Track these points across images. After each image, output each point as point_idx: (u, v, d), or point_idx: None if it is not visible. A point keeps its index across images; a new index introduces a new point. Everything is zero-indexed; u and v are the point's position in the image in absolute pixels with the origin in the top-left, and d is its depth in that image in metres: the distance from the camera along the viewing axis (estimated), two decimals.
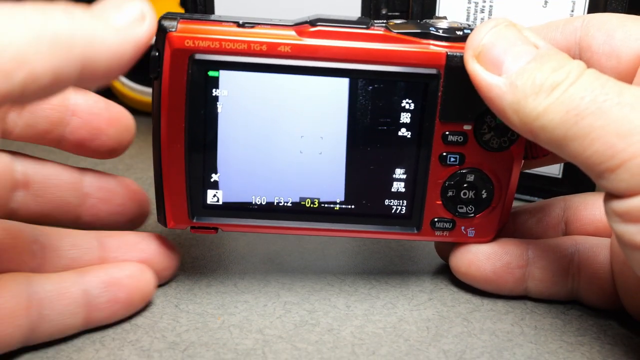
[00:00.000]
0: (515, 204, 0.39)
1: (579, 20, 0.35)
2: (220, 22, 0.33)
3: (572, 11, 0.44)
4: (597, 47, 0.34)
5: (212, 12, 0.51)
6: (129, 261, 0.35)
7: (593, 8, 0.43)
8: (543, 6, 0.45)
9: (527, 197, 0.49)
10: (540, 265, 0.36)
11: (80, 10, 0.26)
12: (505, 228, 0.38)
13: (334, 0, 0.49)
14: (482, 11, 0.46)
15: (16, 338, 0.30)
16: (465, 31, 0.33)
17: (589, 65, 0.34)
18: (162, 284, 0.37)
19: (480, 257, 0.36)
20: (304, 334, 0.34)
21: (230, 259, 0.41)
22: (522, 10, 0.45)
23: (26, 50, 0.23)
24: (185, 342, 0.33)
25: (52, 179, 0.36)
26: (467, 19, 0.46)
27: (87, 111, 0.36)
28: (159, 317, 0.35)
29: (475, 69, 0.31)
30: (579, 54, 0.35)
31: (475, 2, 0.46)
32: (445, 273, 0.40)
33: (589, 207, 0.38)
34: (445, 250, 0.39)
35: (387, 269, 0.40)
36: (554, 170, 0.48)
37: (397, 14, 0.48)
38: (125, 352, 0.32)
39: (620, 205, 0.27)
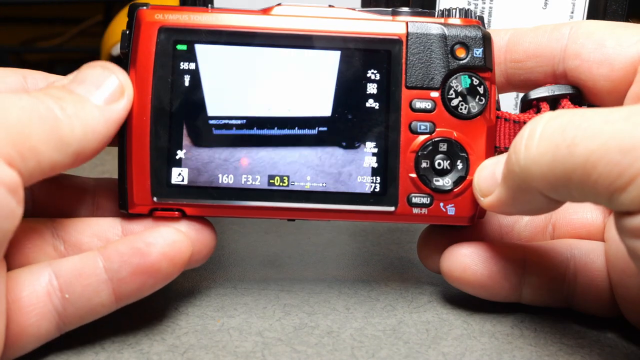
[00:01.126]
0: None
1: (567, 27, 0.35)
2: (190, 6, 0.36)
3: (572, 12, 0.44)
4: (587, 55, 0.34)
5: None
6: (154, 229, 0.33)
7: (593, 9, 0.43)
8: (543, 7, 0.45)
9: None
10: (537, 271, 0.35)
11: (70, 98, 0.30)
12: (493, 231, 0.38)
13: (333, 0, 0.49)
14: (482, 12, 0.46)
15: (44, 327, 0.30)
16: (423, 9, 0.35)
17: (579, 72, 0.34)
18: (193, 269, 0.36)
19: (477, 261, 0.35)
20: (304, 336, 0.34)
21: (229, 261, 0.41)
22: (521, 12, 0.45)
23: (39, 145, 0.28)
24: (184, 345, 0.33)
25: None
26: None
27: None
28: (158, 319, 0.35)
29: (489, 201, 0.33)
30: (563, 61, 0.35)
31: (475, 4, 0.46)
32: None
33: (580, 211, 0.37)
34: (431, 257, 0.37)
35: (387, 271, 0.40)
36: None
37: (401, 7, 0.48)
38: (125, 355, 0.32)
39: (633, 221, 0.26)
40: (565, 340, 0.34)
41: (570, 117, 0.27)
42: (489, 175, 0.33)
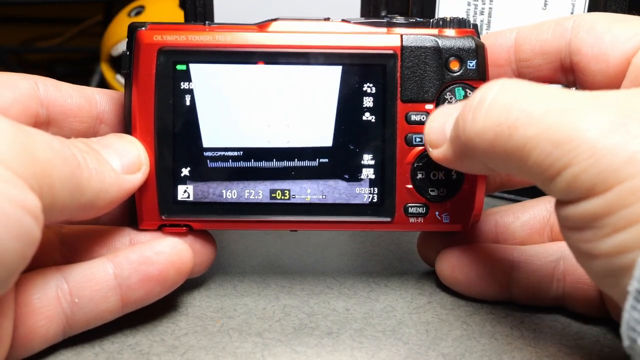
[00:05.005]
0: (508, 204, 0.39)
1: (569, 21, 0.35)
2: (188, 24, 0.35)
3: (572, 13, 0.44)
4: (586, 51, 0.34)
5: (212, 12, 0.51)
6: (161, 238, 0.35)
7: (593, 10, 0.43)
8: (542, 8, 0.45)
9: (525, 198, 0.49)
10: (525, 271, 0.36)
11: (93, 154, 0.31)
12: (488, 231, 0.38)
13: (333, 1, 0.49)
14: (482, 13, 0.46)
15: (52, 330, 0.31)
16: (418, 19, 0.36)
17: (580, 68, 0.34)
18: (195, 277, 0.37)
19: (466, 261, 0.36)
20: (303, 337, 0.34)
21: (229, 262, 0.41)
22: (521, 12, 0.45)
23: (57, 184, 0.28)
24: (184, 346, 0.33)
25: None
26: None
27: (114, 118, 0.37)
28: (158, 320, 0.35)
29: (436, 154, 0.33)
30: (569, 56, 0.35)
31: (474, 4, 0.46)
32: None
33: None
34: (429, 255, 0.39)
35: (387, 272, 0.40)
36: None
37: (396, 15, 0.48)
38: (125, 356, 0.32)
39: (562, 212, 0.27)
40: (564, 341, 0.34)
41: (517, 95, 0.28)
42: (438, 129, 0.33)
